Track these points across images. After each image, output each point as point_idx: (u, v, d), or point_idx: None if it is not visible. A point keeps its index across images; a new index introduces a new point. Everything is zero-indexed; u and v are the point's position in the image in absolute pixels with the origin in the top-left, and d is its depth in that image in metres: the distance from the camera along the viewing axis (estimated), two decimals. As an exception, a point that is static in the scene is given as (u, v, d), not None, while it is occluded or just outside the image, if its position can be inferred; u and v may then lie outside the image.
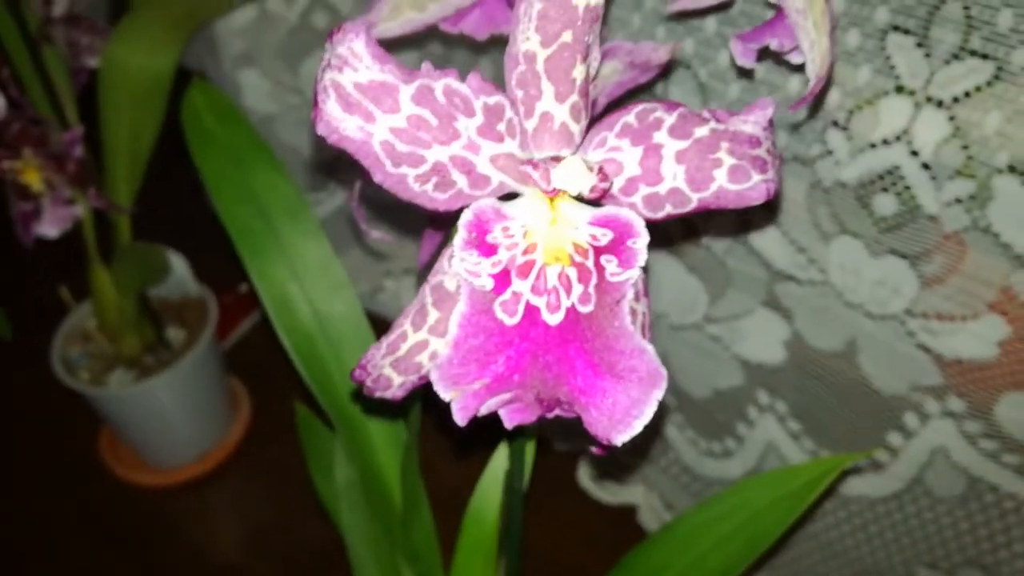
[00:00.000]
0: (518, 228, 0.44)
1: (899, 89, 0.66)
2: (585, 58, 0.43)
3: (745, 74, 0.74)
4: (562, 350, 0.43)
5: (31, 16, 1.02)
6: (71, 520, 1.28)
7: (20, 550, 1.25)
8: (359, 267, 1.41)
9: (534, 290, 0.43)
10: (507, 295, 0.43)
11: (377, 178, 0.42)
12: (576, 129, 0.45)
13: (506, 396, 0.43)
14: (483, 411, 0.43)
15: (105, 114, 1.04)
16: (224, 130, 0.73)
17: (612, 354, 0.43)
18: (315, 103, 0.41)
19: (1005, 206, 0.65)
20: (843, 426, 0.86)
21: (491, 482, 0.69)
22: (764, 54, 0.59)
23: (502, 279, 0.43)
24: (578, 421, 0.43)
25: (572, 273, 0.44)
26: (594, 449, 0.59)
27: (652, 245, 0.44)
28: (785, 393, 0.90)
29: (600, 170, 0.43)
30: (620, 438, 0.42)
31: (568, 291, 0.44)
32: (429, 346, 0.48)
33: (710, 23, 0.75)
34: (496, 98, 0.42)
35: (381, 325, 0.76)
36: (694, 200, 0.46)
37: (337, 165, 1.20)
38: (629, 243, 0.43)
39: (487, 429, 0.55)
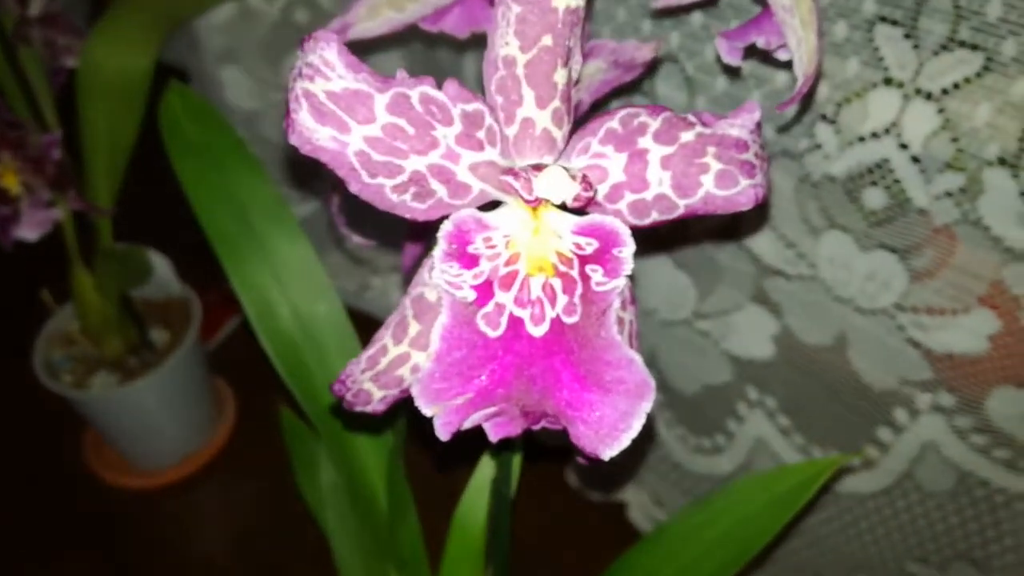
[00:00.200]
0: (500, 238, 0.43)
1: (888, 81, 0.65)
2: (566, 62, 0.41)
3: (732, 68, 0.73)
4: (547, 362, 0.42)
5: (6, 16, 1.00)
6: (56, 523, 1.27)
7: (4, 553, 1.24)
8: (344, 265, 1.40)
9: (517, 302, 0.42)
10: (490, 307, 0.42)
11: (353, 189, 0.40)
12: (558, 135, 0.43)
13: (490, 410, 0.42)
14: (467, 425, 0.42)
15: (84, 115, 1.03)
16: (202, 133, 0.71)
17: (599, 365, 0.42)
18: (287, 113, 0.39)
19: (996, 199, 0.64)
20: (833, 421, 0.86)
21: (478, 487, 0.68)
22: (750, 52, 0.58)
23: (484, 291, 0.42)
24: (565, 433, 0.42)
25: (556, 283, 0.43)
26: (580, 459, 0.58)
27: (639, 241, 0.43)
28: (775, 389, 0.90)
29: (584, 178, 0.42)
30: (608, 452, 0.41)
31: (553, 302, 0.43)
32: (410, 359, 0.47)
33: (696, 16, 0.74)
34: (475, 105, 0.41)
35: (368, 323, 0.75)
36: (681, 206, 0.45)
37: (317, 168, 1.19)
38: (615, 252, 0.42)
39: (470, 443, 0.54)
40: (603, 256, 0.43)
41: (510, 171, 0.42)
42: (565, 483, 1.23)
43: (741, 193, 0.45)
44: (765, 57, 0.61)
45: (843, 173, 0.71)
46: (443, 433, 0.41)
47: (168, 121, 0.72)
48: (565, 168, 0.42)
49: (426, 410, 0.41)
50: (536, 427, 0.43)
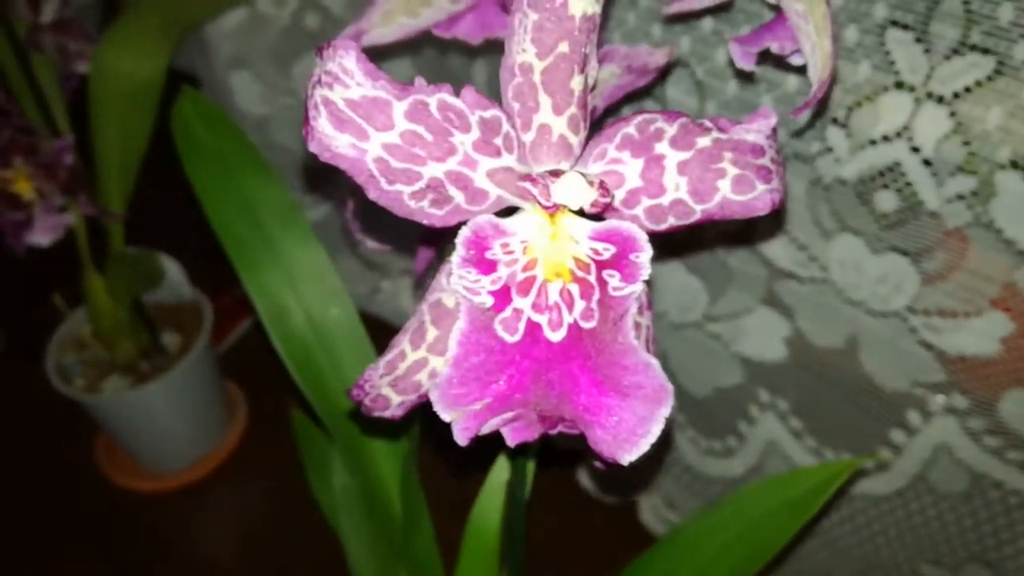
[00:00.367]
0: (518, 244, 0.43)
1: (899, 85, 0.65)
2: (583, 68, 0.42)
3: (743, 72, 0.73)
4: (565, 367, 0.42)
5: (19, 23, 1.01)
6: (67, 526, 1.27)
7: (17, 557, 1.24)
8: (356, 269, 1.40)
9: (535, 307, 0.42)
10: (508, 312, 0.42)
11: (372, 195, 0.41)
12: (575, 141, 0.44)
13: (508, 415, 0.42)
14: (484, 431, 0.42)
15: (96, 120, 1.03)
16: (215, 139, 0.71)
17: (617, 370, 0.42)
18: (306, 120, 0.39)
19: (1008, 202, 0.64)
20: (845, 423, 0.86)
21: (492, 490, 0.68)
22: (763, 56, 0.58)
23: (502, 296, 0.42)
24: (582, 437, 0.43)
25: (574, 289, 0.43)
26: (597, 464, 0.58)
27: (652, 245, 0.43)
28: (786, 391, 0.90)
29: (601, 184, 0.42)
30: (626, 457, 0.41)
31: (570, 307, 0.43)
32: (428, 365, 0.47)
33: (706, 21, 0.74)
34: (492, 112, 0.41)
35: (379, 327, 0.75)
36: (698, 211, 0.45)
37: (332, 174, 1.20)
38: (632, 257, 0.42)
39: (486, 448, 0.54)
40: (620, 261, 0.43)
41: (528, 177, 0.42)
42: (576, 485, 1.23)
43: (758, 198, 0.45)
44: (776, 61, 0.61)
45: (854, 176, 0.71)
46: (461, 438, 0.41)
47: (181, 127, 0.73)
48: (582, 174, 0.42)
49: (445, 416, 0.41)
50: (553, 432, 0.43)
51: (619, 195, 0.44)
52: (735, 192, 0.44)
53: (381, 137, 0.40)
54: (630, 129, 0.43)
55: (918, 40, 0.63)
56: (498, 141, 0.42)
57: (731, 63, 0.74)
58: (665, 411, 0.41)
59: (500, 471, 0.68)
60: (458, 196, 0.42)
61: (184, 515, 1.28)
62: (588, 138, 0.45)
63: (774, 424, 0.93)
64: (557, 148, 0.43)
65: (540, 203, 0.42)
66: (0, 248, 0.99)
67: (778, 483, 0.69)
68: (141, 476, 1.32)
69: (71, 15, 1.04)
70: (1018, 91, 0.60)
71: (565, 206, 0.42)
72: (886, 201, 0.70)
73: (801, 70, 0.58)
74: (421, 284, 1.28)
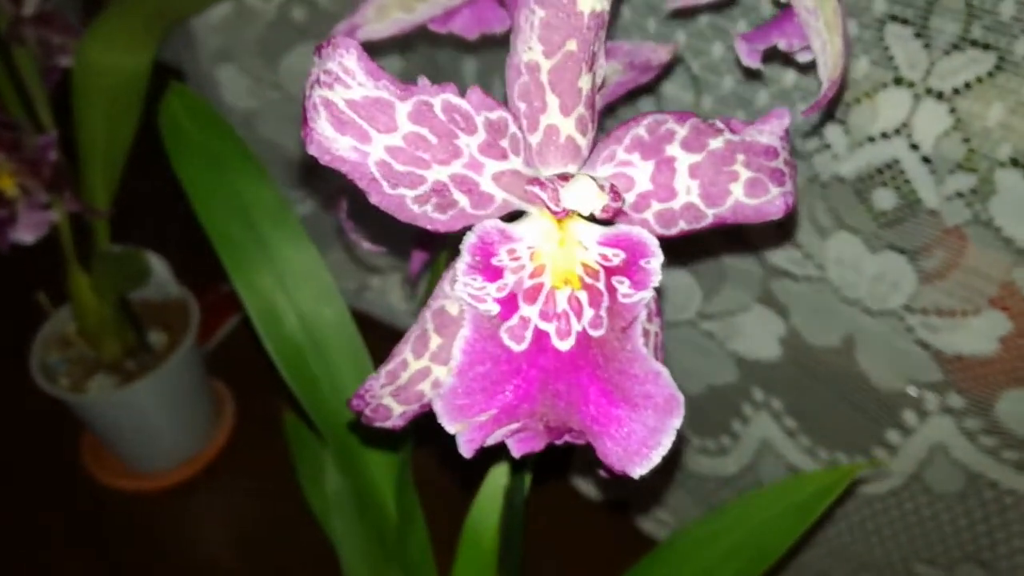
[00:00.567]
0: (524, 250, 0.42)
1: (898, 81, 0.65)
2: (591, 67, 0.40)
3: (740, 66, 0.73)
4: (573, 377, 0.41)
5: (0, 16, 0.99)
6: (53, 527, 1.26)
7: (2, 558, 1.23)
8: (344, 264, 1.39)
9: (543, 315, 0.41)
10: (514, 320, 0.41)
11: (373, 199, 0.39)
12: (583, 143, 0.42)
13: (515, 426, 0.41)
14: (490, 442, 0.40)
15: (80, 115, 1.01)
16: (204, 135, 0.70)
17: (626, 379, 0.41)
18: (304, 121, 0.38)
19: (1007, 200, 0.64)
20: (840, 423, 0.85)
21: (489, 495, 0.67)
22: (767, 53, 0.58)
23: (508, 304, 0.41)
24: (589, 447, 0.42)
25: (583, 296, 0.42)
26: (602, 472, 0.57)
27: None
28: (781, 390, 0.89)
29: (612, 188, 0.40)
30: (637, 470, 0.40)
31: (579, 315, 0.42)
32: (431, 374, 0.46)
33: (702, 15, 0.73)
34: (499, 113, 0.40)
35: (367, 323, 0.74)
36: (709, 215, 0.44)
37: (320, 170, 1.19)
38: (642, 263, 0.41)
39: (491, 458, 0.53)
40: (630, 268, 0.41)
41: (536, 181, 0.41)
42: (570, 486, 1.23)
43: (771, 202, 0.44)
44: (775, 56, 0.60)
45: (852, 173, 0.70)
46: (466, 451, 0.40)
47: (168, 122, 0.71)
48: (592, 178, 0.41)
49: (449, 427, 0.40)
50: (559, 442, 0.42)
51: (629, 199, 0.43)
52: (748, 196, 0.43)
53: (384, 139, 0.38)
54: (640, 131, 0.42)
55: (918, 35, 0.63)
56: (504, 143, 0.41)
57: (727, 58, 0.73)
58: (676, 422, 0.41)
59: (498, 475, 0.67)
60: (463, 200, 0.41)
61: (173, 515, 1.27)
62: (595, 140, 0.43)
63: (768, 423, 0.92)
64: (565, 150, 0.42)
65: (549, 208, 0.41)
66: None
67: (779, 489, 0.68)
68: (128, 476, 1.30)
69: (53, 8, 1.02)
70: (1019, 87, 0.60)
71: (575, 211, 0.41)
72: (884, 199, 0.70)
73: (800, 65, 0.57)
74: (415, 284, 1.27)
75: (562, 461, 1.22)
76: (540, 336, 0.41)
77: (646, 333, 0.44)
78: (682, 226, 0.44)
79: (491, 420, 0.40)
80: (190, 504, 1.28)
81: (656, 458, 0.40)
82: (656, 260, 0.41)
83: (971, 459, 0.78)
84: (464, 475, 0.73)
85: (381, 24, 0.61)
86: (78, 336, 1.24)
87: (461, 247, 0.41)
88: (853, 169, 0.70)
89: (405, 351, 0.46)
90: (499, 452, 0.47)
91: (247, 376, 1.37)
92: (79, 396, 1.19)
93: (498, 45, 0.64)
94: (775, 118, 0.43)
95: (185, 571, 1.21)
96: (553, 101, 0.41)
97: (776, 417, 0.91)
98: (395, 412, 0.47)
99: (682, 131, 0.42)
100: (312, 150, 0.38)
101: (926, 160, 0.66)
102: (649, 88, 0.80)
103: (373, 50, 0.40)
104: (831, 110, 0.69)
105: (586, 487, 1.21)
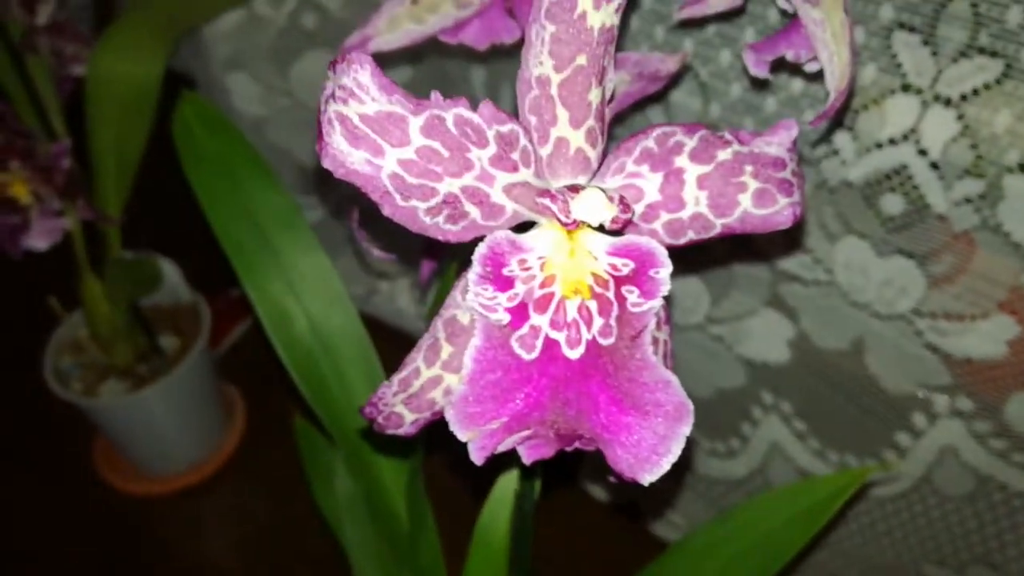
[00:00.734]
0: (535, 260, 0.42)
1: (906, 88, 0.65)
2: (601, 80, 0.41)
3: (748, 74, 0.73)
4: (583, 385, 0.42)
5: (14, 25, 1.00)
6: (66, 529, 1.27)
7: (15, 560, 1.24)
8: (353, 269, 1.40)
9: (553, 324, 0.42)
10: (525, 329, 0.41)
11: (386, 212, 0.40)
12: (593, 155, 0.43)
13: (525, 433, 0.41)
14: (500, 449, 0.41)
15: (92, 123, 1.02)
16: (216, 143, 0.71)
17: (636, 387, 0.41)
18: (319, 136, 0.39)
19: (1015, 205, 0.64)
20: (850, 426, 0.85)
21: (499, 501, 0.68)
22: (775, 62, 0.58)
23: (519, 313, 0.41)
24: (599, 454, 0.42)
25: (592, 305, 0.42)
26: (611, 477, 0.57)
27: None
28: (790, 393, 0.89)
29: (621, 200, 0.41)
30: (647, 477, 0.41)
31: (589, 324, 0.42)
32: (443, 382, 0.47)
33: (710, 23, 0.74)
34: (510, 126, 0.40)
35: (376, 328, 0.75)
36: (718, 225, 0.44)
37: (330, 177, 1.19)
38: (651, 273, 0.41)
39: (503, 464, 0.53)
40: (639, 277, 0.42)
41: (546, 193, 0.41)
42: (580, 489, 1.23)
43: (779, 212, 0.44)
44: (783, 64, 0.60)
45: (860, 179, 0.71)
46: (478, 458, 0.41)
47: (180, 130, 0.72)
48: (602, 189, 0.41)
49: (461, 435, 0.41)
50: (570, 449, 0.43)
51: (638, 209, 0.44)
52: (756, 206, 0.44)
53: (397, 153, 0.39)
54: (649, 142, 0.42)
55: (925, 42, 0.63)
56: (515, 156, 0.41)
57: (735, 65, 0.74)
58: (686, 429, 0.41)
59: (508, 479, 0.67)
60: (474, 212, 0.41)
61: (183, 518, 1.28)
62: (605, 150, 0.44)
63: (777, 426, 0.92)
64: (575, 162, 0.43)
65: (560, 220, 0.41)
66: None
67: (791, 493, 0.69)
68: (139, 479, 1.31)
69: (66, 18, 1.03)
70: (1026, 94, 0.60)
71: (585, 222, 0.42)
72: (892, 204, 0.70)
73: (808, 73, 0.58)
74: (426, 294, 1.27)
75: (572, 466, 1.22)
76: (550, 345, 0.42)
77: (655, 341, 0.45)
78: (691, 236, 0.44)
79: (502, 428, 0.41)
80: (201, 507, 1.29)
81: (666, 465, 0.41)
82: (665, 270, 0.42)
83: (981, 461, 0.78)
84: (475, 481, 0.74)
85: (392, 35, 0.61)
86: (90, 341, 1.25)
87: (472, 258, 0.41)
88: (861, 174, 0.70)
89: (417, 359, 0.47)
90: (510, 458, 0.48)
91: (258, 380, 1.38)
92: (91, 400, 1.20)
93: (507, 55, 0.64)
94: (783, 129, 0.43)
95: (193, 573, 1.21)
96: (563, 114, 0.41)
97: (785, 420, 0.91)
98: (407, 420, 0.48)
99: (691, 143, 0.42)
100: (327, 164, 0.39)
101: (934, 166, 0.66)
102: (657, 96, 0.81)
103: (383, 60, 0.41)
104: (839, 118, 0.69)
105: (596, 491, 1.21)
